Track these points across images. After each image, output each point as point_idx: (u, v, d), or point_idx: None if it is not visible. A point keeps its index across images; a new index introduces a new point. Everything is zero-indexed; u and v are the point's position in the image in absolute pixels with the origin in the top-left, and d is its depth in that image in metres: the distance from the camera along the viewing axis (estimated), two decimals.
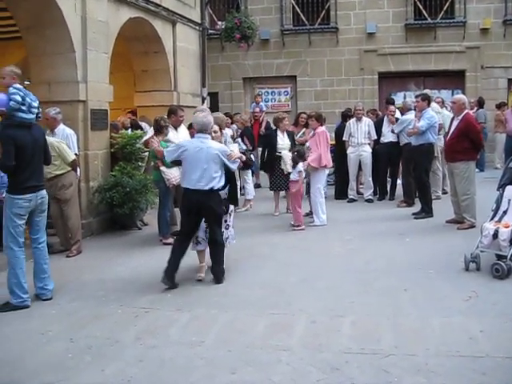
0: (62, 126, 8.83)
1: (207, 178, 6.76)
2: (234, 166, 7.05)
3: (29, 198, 6.19)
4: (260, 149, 12.55)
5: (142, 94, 13.29)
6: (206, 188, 6.75)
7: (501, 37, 18.03)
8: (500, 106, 16.72)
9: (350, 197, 12.50)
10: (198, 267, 7.21)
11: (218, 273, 6.95)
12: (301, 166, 9.75)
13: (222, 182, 6.91)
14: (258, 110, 15.56)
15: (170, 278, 6.70)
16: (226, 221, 7.28)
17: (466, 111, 9.51)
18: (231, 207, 7.37)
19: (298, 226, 9.74)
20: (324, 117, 10.61)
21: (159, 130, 9.07)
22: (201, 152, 6.77)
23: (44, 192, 6.45)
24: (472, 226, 9.08)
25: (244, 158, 7.41)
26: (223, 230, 7.22)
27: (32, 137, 6.27)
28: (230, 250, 8.45)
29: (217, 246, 7.02)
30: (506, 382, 4.25)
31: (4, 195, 6.49)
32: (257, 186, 14.06)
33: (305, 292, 6.42)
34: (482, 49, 18.12)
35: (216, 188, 6.82)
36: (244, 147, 11.74)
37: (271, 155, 11.06)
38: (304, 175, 9.95)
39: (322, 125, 10.21)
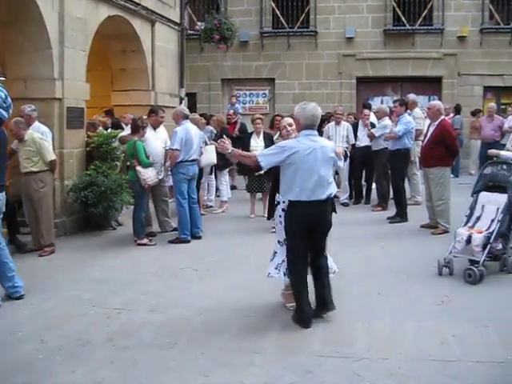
0: (37, 124, 8.73)
1: (324, 186, 5.53)
2: (341, 164, 6.03)
3: None
4: None
5: (119, 93, 13.19)
6: (324, 197, 5.53)
7: (477, 45, 18.27)
8: (475, 113, 16.90)
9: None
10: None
11: (329, 303, 5.75)
12: None
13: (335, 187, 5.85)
14: (231, 112, 15.51)
15: (309, 319, 5.55)
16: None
17: (442, 117, 9.57)
18: None
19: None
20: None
21: (136, 129, 9.01)
22: (315, 153, 5.49)
23: (2, 194, 6.24)
24: (446, 231, 9.16)
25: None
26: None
27: (3, 135, 6.18)
28: (208, 251, 8.46)
29: (324, 270, 5.79)
30: None
31: None
32: (232, 187, 14.05)
33: (279, 294, 6.41)
34: (459, 56, 18.33)
35: (332, 195, 5.70)
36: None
37: None
38: None
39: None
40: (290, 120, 6.20)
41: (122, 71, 13.09)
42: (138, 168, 8.73)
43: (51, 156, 8.36)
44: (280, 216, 5.80)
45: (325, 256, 5.81)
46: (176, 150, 8.94)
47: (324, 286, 5.71)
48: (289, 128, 6.15)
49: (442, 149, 9.28)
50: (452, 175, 11.15)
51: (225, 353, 4.90)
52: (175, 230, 9.60)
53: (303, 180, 5.44)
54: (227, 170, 12.15)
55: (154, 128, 9.61)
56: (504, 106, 17.80)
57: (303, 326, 5.45)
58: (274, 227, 9.45)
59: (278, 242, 5.94)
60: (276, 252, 6.02)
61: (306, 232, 5.53)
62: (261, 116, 11.61)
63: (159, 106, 10.69)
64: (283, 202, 5.71)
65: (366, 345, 5.02)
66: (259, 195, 11.47)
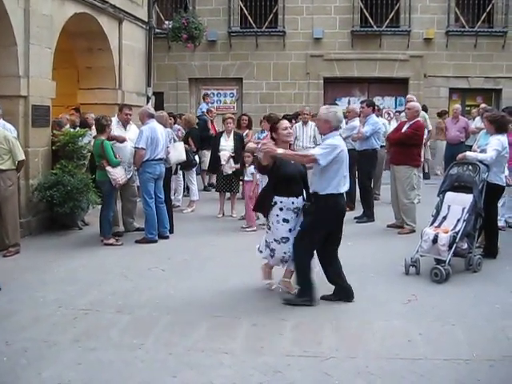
0: (1, 122, 8.58)
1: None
2: None
3: None
4: None
5: (85, 92, 13.02)
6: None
7: (443, 47, 18.52)
8: (441, 115, 17.11)
9: None
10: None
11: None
12: (253, 167, 9.72)
13: None
14: (214, 109, 15.51)
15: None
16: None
17: (418, 119, 9.67)
18: None
19: (250, 226, 9.72)
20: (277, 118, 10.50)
21: (101, 129, 8.91)
22: (345, 151, 6.18)
23: None
24: (412, 231, 9.27)
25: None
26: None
27: None
28: (176, 251, 8.42)
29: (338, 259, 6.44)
30: (442, 383, 4.35)
31: None
32: (211, 185, 14.14)
33: (247, 294, 6.41)
34: (425, 58, 18.56)
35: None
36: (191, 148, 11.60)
37: (214, 156, 11.13)
38: (258, 177, 9.84)
39: None
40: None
41: (88, 69, 12.92)
42: (108, 168, 8.62)
43: (22, 155, 8.26)
44: (277, 215, 6.25)
45: None
46: (142, 148, 8.87)
47: (340, 274, 6.31)
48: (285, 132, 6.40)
49: (413, 148, 9.41)
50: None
51: (193, 353, 4.88)
52: (138, 230, 9.53)
53: (343, 174, 6.09)
54: (194, 168, 12.10)
55: (124, 126, 9.55)
56: (469, 108, 18.11)
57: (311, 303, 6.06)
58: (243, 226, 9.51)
59: (275, 240, 6.27)
60: (274, 249, 6.34)
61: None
62: (232, 116, 11.69)
63: (125, 104, 10.58)
64: (280, 201, 6.21)
65: (334, 344, 5.05)
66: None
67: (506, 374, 4.49)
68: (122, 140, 9.28)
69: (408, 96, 12.45)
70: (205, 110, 15.87)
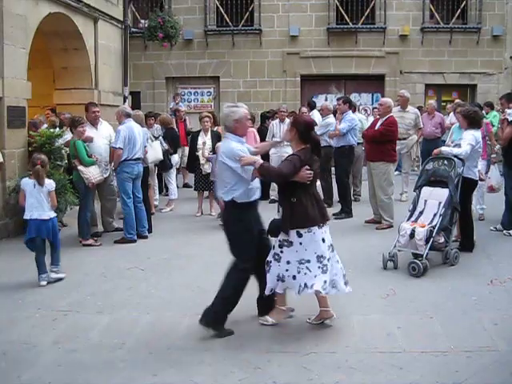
0: None
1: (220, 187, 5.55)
2: (246, 176, 5.31)
3: None
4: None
5: (61, 92, 12.92)
6: (226, 199, 5.44)
7: (418, 43, 18.68)
8: None
9: (272, 197, 12.54)
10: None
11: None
12: None
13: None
14: (183, 108, 15.50)
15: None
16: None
17: (390, 114, 9.75)
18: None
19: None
20: (254, 116, 10.54)
21: (71, 130, 8.91)
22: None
23: None
24: (390, 226, 9.34)
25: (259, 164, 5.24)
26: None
27: None
28: (155, 250, 8.40)
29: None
30: (421, 375, 4.41)
31: None
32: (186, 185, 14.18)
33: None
34: (401, 54, 18.71)
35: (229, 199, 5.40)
36: (166, 146, 11.52)
37: (192, 155, 11.12)
38: None
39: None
40: None
41: (64, 69, 12.83)
42: (80, 167, 8.61)
43: (0, 157, 8.19)
44: None
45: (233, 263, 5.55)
46: (119, 148, 8.84)
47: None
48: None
49: (388, 144, 9.48)
50: (396, 172, 11.36)
51: (174, 351, 4.89)
52: (117, 230, 9.49)
53: None
54: (172, 169, 12.07)
55: (94, 125, 9.46)
56: (445, 103, 18.25)
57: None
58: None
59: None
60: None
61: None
62: (209, 114, 11.65)
63: (91, 102, 10.40)
64: None
65: (313, 339, 5.09)
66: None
67: (483, 365, 4.56)
68: (89, 140, 9.16)
69: (401, 91, 12.57)
70: (171, 107, 15.86)
